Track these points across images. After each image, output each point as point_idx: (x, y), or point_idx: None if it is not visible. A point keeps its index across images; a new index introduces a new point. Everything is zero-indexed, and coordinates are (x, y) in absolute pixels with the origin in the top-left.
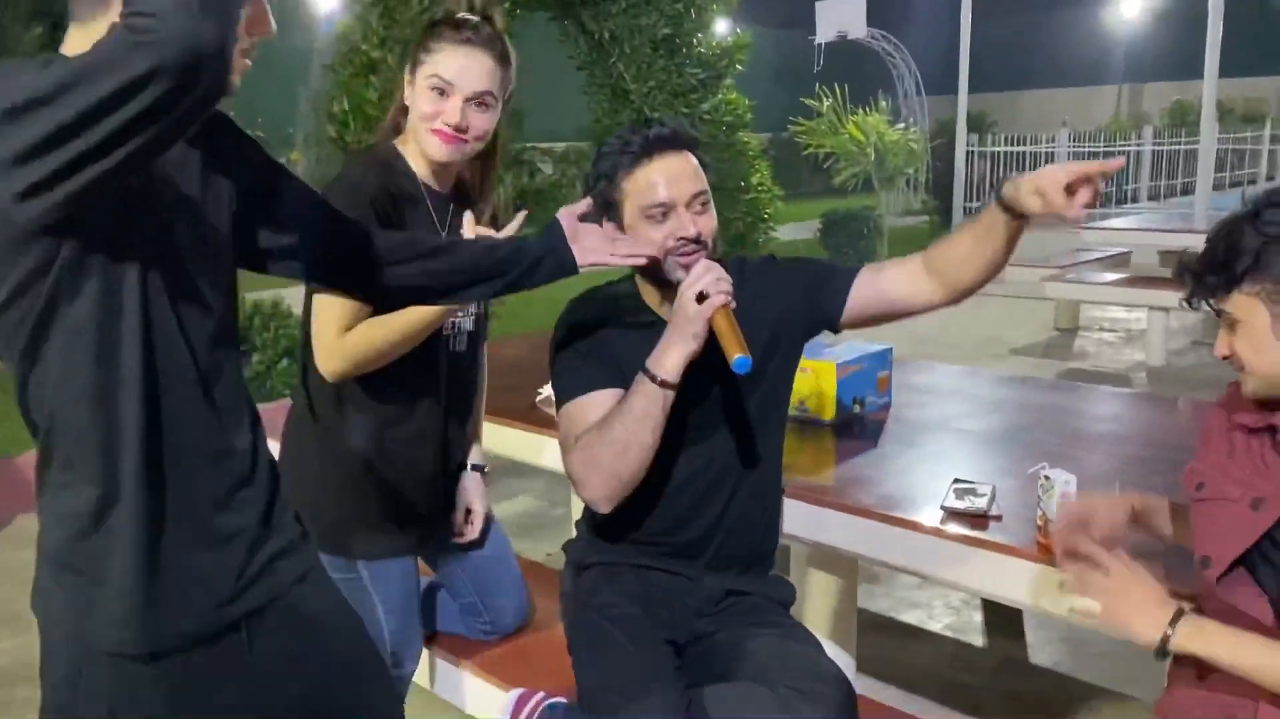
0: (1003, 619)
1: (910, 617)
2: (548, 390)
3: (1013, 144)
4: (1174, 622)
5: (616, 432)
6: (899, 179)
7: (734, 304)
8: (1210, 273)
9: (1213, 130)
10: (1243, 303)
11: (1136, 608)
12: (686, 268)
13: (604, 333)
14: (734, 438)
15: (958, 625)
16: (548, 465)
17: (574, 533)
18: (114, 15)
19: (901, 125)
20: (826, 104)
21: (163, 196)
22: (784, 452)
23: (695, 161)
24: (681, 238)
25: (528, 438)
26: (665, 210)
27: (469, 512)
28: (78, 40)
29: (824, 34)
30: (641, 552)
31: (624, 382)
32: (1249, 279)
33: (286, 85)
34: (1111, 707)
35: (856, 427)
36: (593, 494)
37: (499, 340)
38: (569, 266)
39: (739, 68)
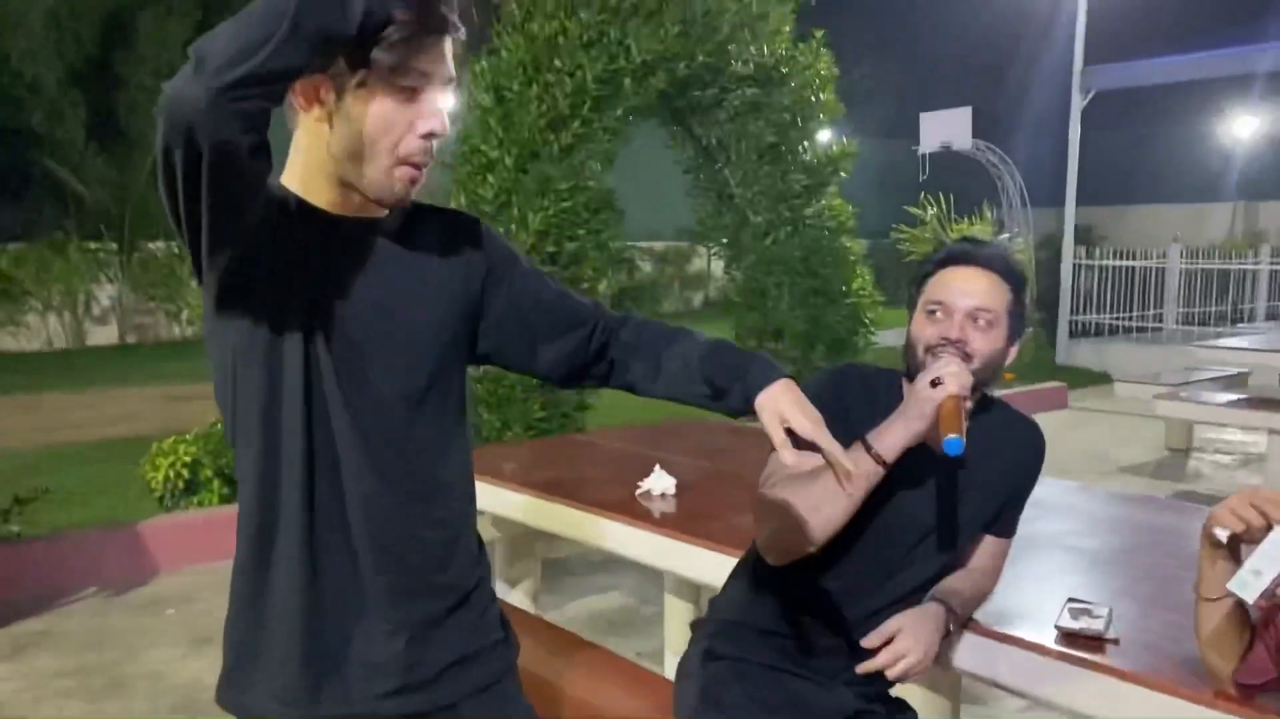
0: None
1: None
2: (648, 484)
3: (1121, 258)
4: None
5: (815, 488)
6: None
7: (968, 400)
8: None
9: None
10: None
11: None
12: None
13: (855, 407)
14: (926, 554)
15: None
16: (643, 560)
17: (665, 632)
18: (304, 116)
19: (1006, 236)
20: (931, 213)
21: (340, 291)
22: None
23: (1000, 286)
24: (945, 338)
25: (626, 531)
26: (941, 309)
27: None
28: (292, 154)
29: (928, 144)
30: (779, 648)
31: None
32: None
33: None
34: None
35: None
36: (764, 538)
37: (601, 431)
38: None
39: (843, 175)
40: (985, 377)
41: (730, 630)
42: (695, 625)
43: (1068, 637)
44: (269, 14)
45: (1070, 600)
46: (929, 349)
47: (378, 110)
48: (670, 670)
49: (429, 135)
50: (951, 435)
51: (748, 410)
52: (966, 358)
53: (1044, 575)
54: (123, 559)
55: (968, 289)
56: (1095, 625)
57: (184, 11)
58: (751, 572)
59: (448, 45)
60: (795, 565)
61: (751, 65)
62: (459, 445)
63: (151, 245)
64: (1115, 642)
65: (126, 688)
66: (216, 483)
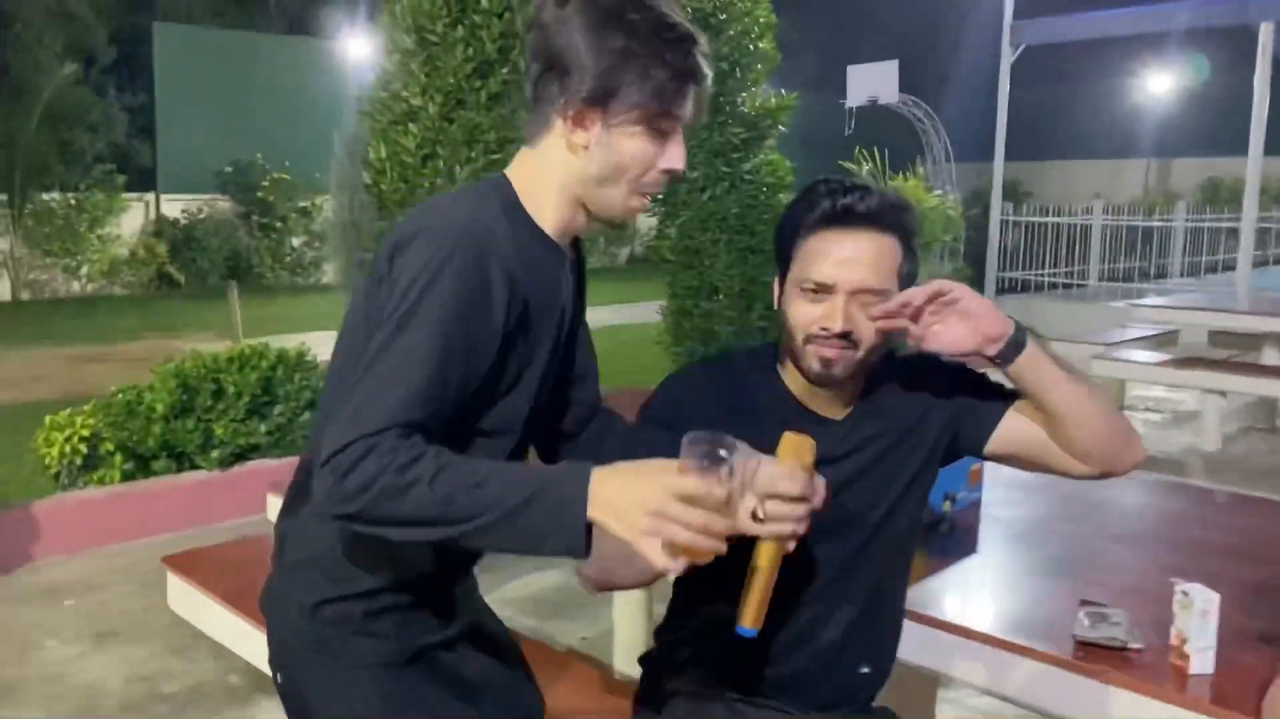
0: None
1: None
2: None
3: (1047, 214)
4: None
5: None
6: (935, 246)
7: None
8: None
9: (1254, 208)
10: None
11: None
12: (823, 363)
13: (720, 415)
14: (859, 562)
15: None
16: None
17: (614, 617)
18: (556, 136)
19: (939, 192)
20: (865, 168)
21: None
22: None
23: (890, 246)
24: (825, 328)
25: None
26: (820, 289)
27: None
28: (527, 159)
29: (855, 98)
30: (735, 684)
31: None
32: None
33: (318, 130)
34: None
35: (947, 527)
36: None
37: None
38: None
39: (781, 129)
40: (876, 357)
41: (685, 666)
42: (643, 660)
43: (1088, 647)
44: (431, 516)
45: (1083, 604)
46: (809, 339)
47: (636, 145)
48: (619, 659)
49: (669, 172)
50: (747, 625)
51: None
52: (852, 346)
53: (1042, 569)
54: (12, 543)
55: (852, 259)
56: (1116, 634)
57: None
58: (691, 598)
59: (700, 91)
60: (723, 594)
61: (689, 10)
62: None
63: (45, 196)
64: (1139, 651)
65: (17, 692)
66: (118, 458)
